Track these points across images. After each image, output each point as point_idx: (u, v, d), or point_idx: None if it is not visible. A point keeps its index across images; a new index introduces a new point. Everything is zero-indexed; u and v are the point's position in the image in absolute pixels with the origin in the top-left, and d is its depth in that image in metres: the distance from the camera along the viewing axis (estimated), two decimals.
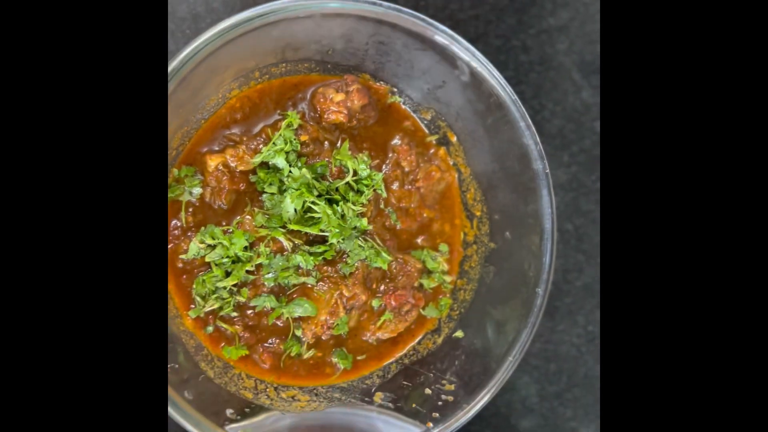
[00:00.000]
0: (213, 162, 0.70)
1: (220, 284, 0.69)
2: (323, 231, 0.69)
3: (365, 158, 0.72)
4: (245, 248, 0.69)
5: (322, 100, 0.72)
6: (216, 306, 0.70)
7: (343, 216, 0.70)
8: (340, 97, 0.71)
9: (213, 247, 0.69)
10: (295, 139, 0.70)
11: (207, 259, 0.69)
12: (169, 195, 0.70)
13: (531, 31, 0.86)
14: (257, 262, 0.69)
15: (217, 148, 0.72)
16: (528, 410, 0.87)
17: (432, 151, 0.77)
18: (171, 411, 0.61)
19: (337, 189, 0.71)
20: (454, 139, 0.76)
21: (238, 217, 0.70)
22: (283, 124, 0.71)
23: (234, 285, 0.70)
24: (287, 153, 0.70)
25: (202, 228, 0.70)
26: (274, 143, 0.70)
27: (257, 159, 0.70)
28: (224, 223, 0.71)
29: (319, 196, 0.70)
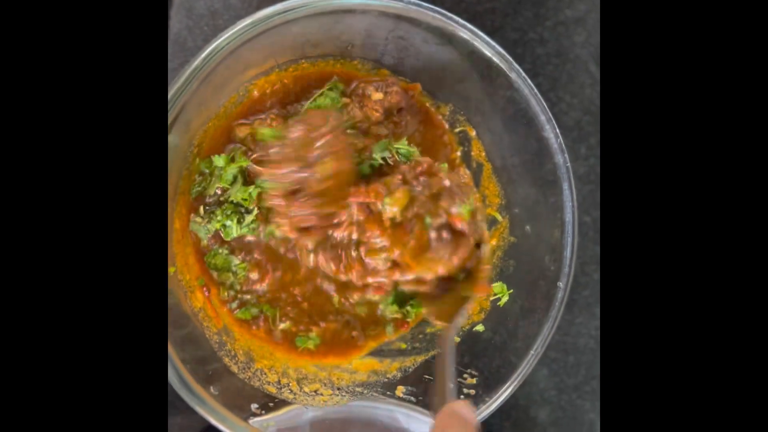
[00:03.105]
0: (241, 132, 0.71)
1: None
2: None
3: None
4: None
5: (360, 94, 0.73)
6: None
7: None
8: (378, 95, 0.72)
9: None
10: (339, 101, 0.71)
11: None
12: (195, 190, 0.71)
13: (548, 24, 0.86)
14: None
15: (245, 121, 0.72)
16: (546, 402, 0.87)
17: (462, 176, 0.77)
18: (197, 407, 0.62)
19: None
20: (473, 133, 0.76)
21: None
22: (326, 85, 0.71)
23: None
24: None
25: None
26: (315, 100, 0.71)
27: (306, 106, 0.70)
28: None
29: None
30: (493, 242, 0.76)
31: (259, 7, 0.68)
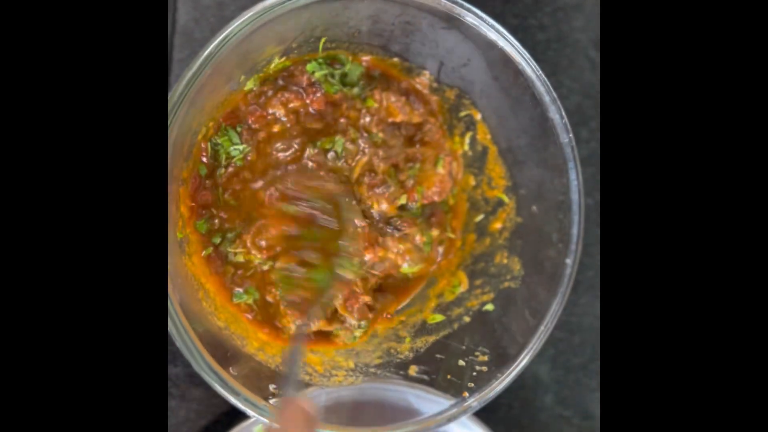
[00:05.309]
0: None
1: None
2: None
3: None
4: None
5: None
6: None
7: None
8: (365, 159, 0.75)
9: None
10: None
11: None
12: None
13: (547, 9, 0.87)
14: None
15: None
16: (554, 382, 0.88)
17: None
18: (217, 386, 0.63)
19: None
20: (478, 116, 0.77)
21: None
22: None
23: None
24: None
25: None
26: None
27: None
28: None
29: None
30: (499, 224, 0.78)
31: None
